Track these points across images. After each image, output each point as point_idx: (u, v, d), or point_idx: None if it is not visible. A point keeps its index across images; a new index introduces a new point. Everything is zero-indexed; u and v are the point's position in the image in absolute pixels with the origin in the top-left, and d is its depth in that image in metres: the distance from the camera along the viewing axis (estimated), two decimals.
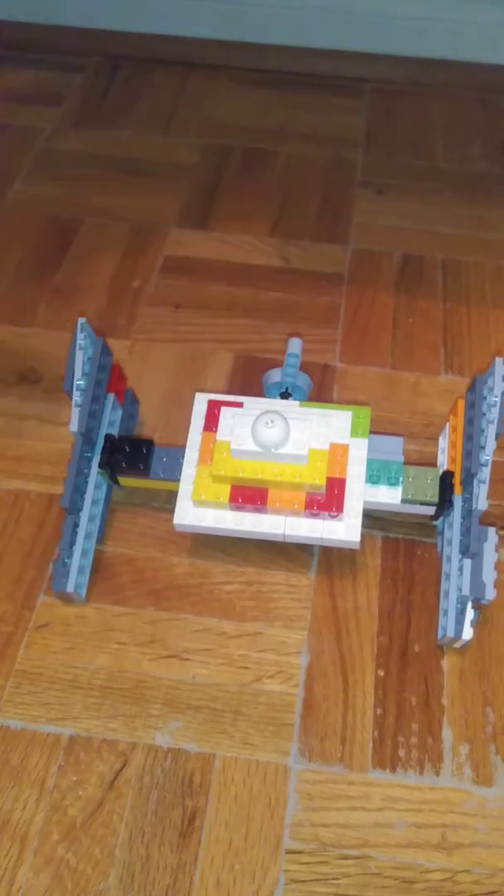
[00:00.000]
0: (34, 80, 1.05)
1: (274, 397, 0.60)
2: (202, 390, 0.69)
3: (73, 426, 0.54)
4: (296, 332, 0.73)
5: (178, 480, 0.56)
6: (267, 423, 0.51)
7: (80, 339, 0.55)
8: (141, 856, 0.46)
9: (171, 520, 0.60)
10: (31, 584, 0.57)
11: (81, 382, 0.55)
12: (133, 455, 0.57)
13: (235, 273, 0.80)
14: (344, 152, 0.94)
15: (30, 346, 0.73)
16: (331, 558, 0.59)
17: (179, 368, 0.71)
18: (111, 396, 0.59)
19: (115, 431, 0.60)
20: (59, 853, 0.46)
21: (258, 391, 0.65)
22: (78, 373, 0.55)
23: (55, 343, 0.73)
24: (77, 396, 0.55)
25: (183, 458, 0.57)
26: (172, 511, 0.60)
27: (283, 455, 0.52)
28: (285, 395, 0.60)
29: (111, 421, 0.59)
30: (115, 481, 0.58)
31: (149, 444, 0.57)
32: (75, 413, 0.54)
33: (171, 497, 0.60)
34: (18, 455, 0.64)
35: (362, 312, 0.76)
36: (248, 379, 0.70)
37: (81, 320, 0.56)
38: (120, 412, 0.60)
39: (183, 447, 0.58)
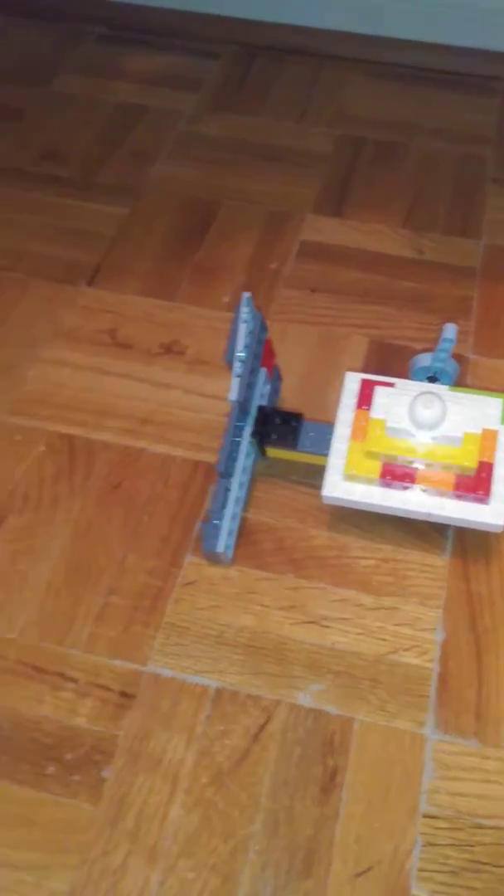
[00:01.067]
0: (172, 64, 1.08)
1: (421, 381, 0.61)
2: (338, 372, 0.71)
3: (233, 395, 0.57)
4: (450, 320, 0.74)
5: (324, 455, 0.58)
6: (426, 404, 0.53)
7: (244, 312, 0.58)
8: (284, 806, 0.48)
9: (310, 493, 0.62)
10: (178, 544, 0.59)
11: (242, 354, 0.57)
12: (283, 427, 0.59)
13: (369, 261, 0.82)
14: (476, 149, 0.95)
15: (174, 320, 0.75)
16: (465, 542, 0.60)
17: (315, 350, 0.73)
18: (263, 370, 0.61)
19: (264, 404, 0.62)
20: (208, 795, 0.48)
21: (393, 376, 0.67)
22: (240, 345, 0.57)
23: (198, 317, 0.75)
24: (238, 367, 0.57)
25: (330, 433, 0.59)
26: (311, 485, 0.63)
27: (438, 436, 0.54)
28: (432, 380, 0.61)
29: (262, 394, 0.61)
30: (263, 452, 0.61)
31: (298, 417, 0.59)
32: (235, 383, 0.57)
33: (310, 471, 0.63)
34: (164, 422, 0.67)
35: (496, 306, 0.77)
36: (383, 364, 0.72)
37: (246, 295, 0.58)
38: (269, 386, 0.62)
39: (326, 423, 0.60)
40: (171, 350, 0.73)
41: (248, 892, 0.45)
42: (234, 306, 0.77)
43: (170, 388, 0.70)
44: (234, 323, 0.58)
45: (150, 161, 0.93)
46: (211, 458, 0.64)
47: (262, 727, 0.51)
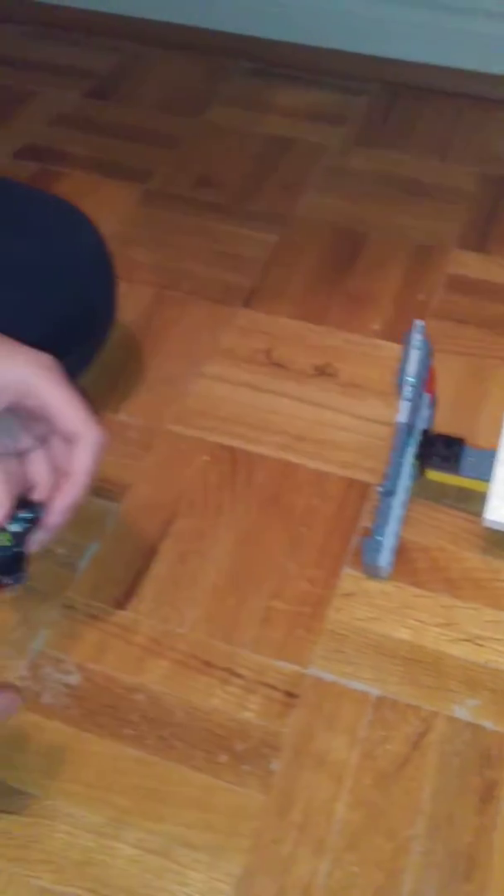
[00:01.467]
0: (319, 99, 1.13)
1: None
2: (486, 402, 0.73)
3: (402, 417, 0.59)
4: None
5: (485, 480, 0.60)
6: None
7: (416, 339, 0.60)
8: (444, 812, 0.50)
9: (462, 517, 0.65)
10: (336, 557, 0.62)
11: (412, 379, 0.60)
12: (447, 451, 0.62)
13: None
14: None
15: (325, 344, 0.79)
16: None
17: (463, 380, 0.76)
18: (427, 395, 0.64)
19: (425, 427, 0.64)
20: (371, 796, 0.51)
21: None
22: (411, 370, 0.60)
23: (349, 343, 0.79)
24: (408, 391, 0.60)
25: (490, 459, 0.61)
26: (463, 509, 0.65)
27: None
28: None
29: (423, 417, 0.64)
30: (422, 473, 0.63)
31: (460, 442, 0.62)
32: (405, 406, 0.60)
33: (462, 495, 0.65)
34: (319, 439, 0.70)
35: None
36: None
37: (419, 323, 0.61)
38: (430, 411, 0.65)
39: (486, 450, 0.62)
40: (324, 372, 0.76)
41: (412, 890, 0.47)
42: (384, 334, 0.80)
43: (324, 408, 0.73)
44: (405, 348, 0.61)
45: (298, 191, 0.97)
46: (365, 477, 0.67)
47: (422, 736, 0.53)
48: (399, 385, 0.60)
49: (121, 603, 0.60)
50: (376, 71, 1.17)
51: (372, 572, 0.60)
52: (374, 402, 0.73)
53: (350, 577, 0.61)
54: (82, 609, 0.59)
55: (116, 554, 0.62)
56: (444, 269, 0.87)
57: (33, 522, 0.50)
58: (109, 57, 1.22)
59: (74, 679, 0.56)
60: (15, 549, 0.49)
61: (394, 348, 0.77)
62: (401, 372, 0.60)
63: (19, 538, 0.50)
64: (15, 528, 0.50)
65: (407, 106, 1.11)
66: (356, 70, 1.17)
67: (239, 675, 0.56)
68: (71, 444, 0.50)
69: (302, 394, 0.74)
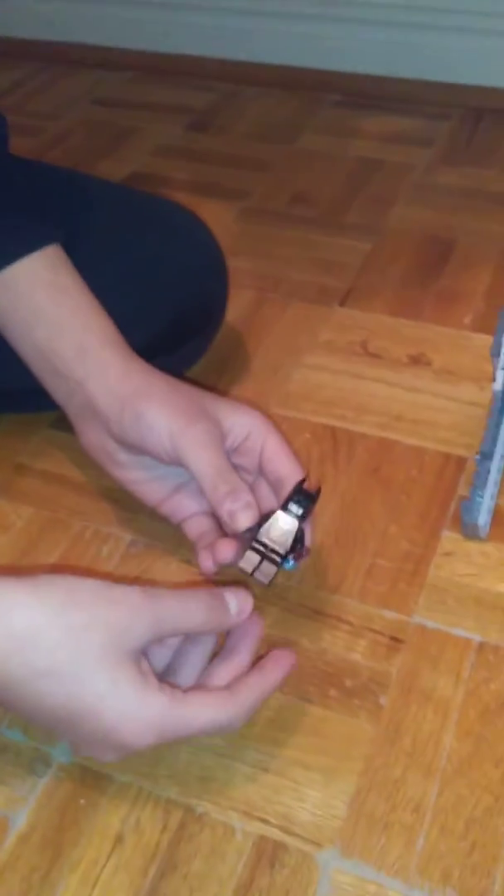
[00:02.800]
0: (405, 125, 1.19)
1: None
2: None
3: (498, 385, 0.63)
4: None
5: None
6: None
7: None
8: None
9: None
10: (435, 520, 0.66)
11: None
12: None
13: None
14: None
15: (419, 336, 0.83)
16: None
17: None
18: None
19: None
20: (477, 728, 0.53)
21: None
22: None
23: (441, 335, 0.83)
24: (502, 360, 0.63)
25: None
26: None
27: None
28: None
29: None
30: None
31: None
32: (500, 374, 0.63)
33: None
34: (416, 419, 0.74)
35: None
36: None
37: None
38: None
39: None
40: (418, 361, 0.80)
41: None
42: (475, 326, 0.84)
43: (419, 392, 0.77)
44: (500, 321, 0.65)
45: (389, 205, 1.03)
46: (461, 452, 0.71)
47: None
48: (493, 356, 0.64)
49: None
50: (459, 97, 1.23)
51: (471, 532, 0.63)
52: (468, 387, 0.77)
53: (449, 539, 0.64)
54: (195, 564, 0.64)
55: None
56: None
57: (308, 508, 0.57)
58: (207, 96, 1.31)
59: None
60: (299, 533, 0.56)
61: (486, 339, 0.81)
62: (495, 344, 0.64)
63: (302, 520, 0.57)
64: (296, 510, 0.56)
65: (490, 128, 1.17)
66: (440, 97, 1.23)
67: (346, 622, 0.59)
68: (276, 486, 0.59)
69: (398, 380, 0.79)
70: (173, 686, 0.48)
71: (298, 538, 0.56)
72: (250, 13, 1.32)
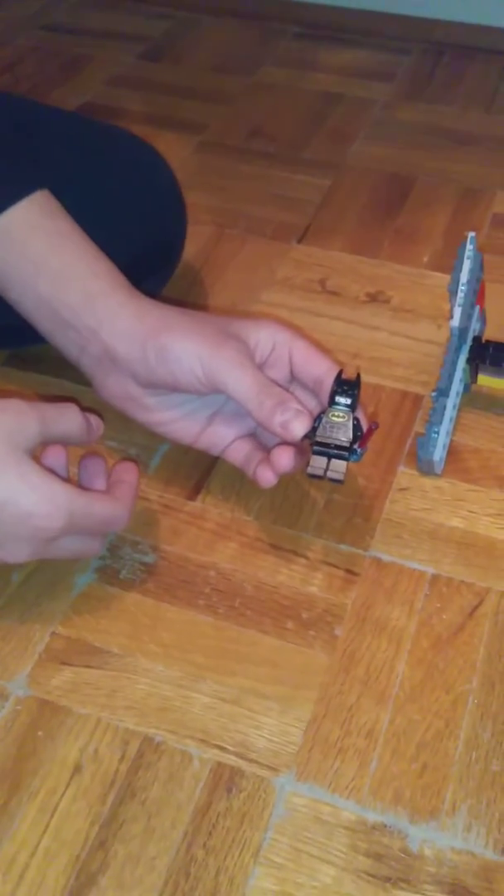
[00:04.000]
0: (365, 58, 1.17)
1: None
2: None
3: (455, 322, 0.63)
4: None
5: None
6: None
7: (469, 250, 0.64)
8: (499, 671, 0.54)
9: None
10: (391, 456, 0.66)
11: (465, 287, 0.64)
12: (497, 356, 0.65)
13: None
14: None
15: (378, 274, 0.83)
16: None
17: None
18: (478, 307, 0.67)
19: None
20: (429, 657, 0.54)
21: None
22: (463, 277, 0.64)
23: (400, 273, 0.83)
24: (460, 297, 0.64)
25: None
26: None
27: None
28: None
29: (474, 329, 0.68)
30: (475, 380, 0.67)
31: None
32: (457, 311, 0.63)
33: None
34: (373, 357, 0.74)
35: None
36: None
37: (471, 234, 0.65)
38: (481, 324, 0.69)
39: None
40: (376, 299, 0.80)
41: (469, 735, 0.51)
42: (433, 265, 0.84)
43: (377, 330, 0.77)
44: (458, 258, 0.65)
45: (348, 141, 1.01)
46: (418, 389, 0.71)
47: (476, 608, 0.57)
48: (451, 293, 0.64)
49: (191, 496, 0.64)
50: (421, 31, 1.20)
51: (426, 468, 0.64)
52: (426, 325, 0.77)
53: (405, 475, 0.65)
54: (156, 500, 0.64)
55: (184, 454, 0.67)
56: (491, 208, 0.90)
57: (355, 395, 0.57)
58: (161, 23, 1.27)
59: (150, 559, 0.60)
60: (355, 422, 0.57)
61: (443, 278, 0.81)
62: (453, 281, 0.64)
63: (352, 409, 0.57)
64: (345, 400, 0.57)
65: (451, 63, 1.15)
66: (401, 31, 1.21)
67: (302, 556, 0.60)
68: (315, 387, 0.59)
69: (356, 318, 0.78)
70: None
71: (355, 426, 0.56)
72: None
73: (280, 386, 0.57)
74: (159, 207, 0.75)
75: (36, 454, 0.52)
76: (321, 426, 0.56)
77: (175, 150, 0.99)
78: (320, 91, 1.10)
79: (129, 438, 0.67)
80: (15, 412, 0.50)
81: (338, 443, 0.56)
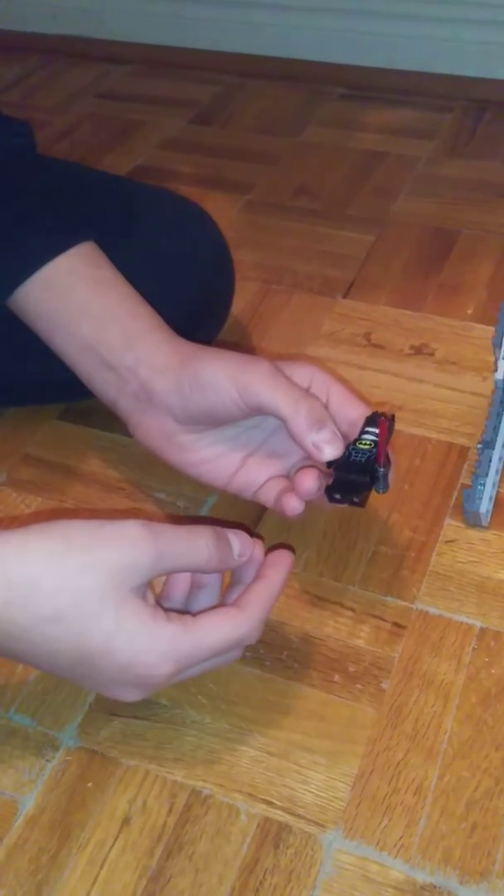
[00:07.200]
0: (410, 118, 1.19)
1: None
2: None
3: (499, 374, 0.64)
4: None
5: None
6: None
7: None
8: None
9: None
10: (437, 508, 0.66)
11: None
12: None
13: None
14: None
15: (422, 327, 0.84)
16: None
17: None
18: None
19: None
20: (478, 712, 0.54)
21: None
22: None
23: (444, 326, 0.83)
24: (502, 351, 0.64)
25: None
26: None
27: None
28: None
29: None
30: None
31: None
32: (501, 364, 0.64)
33: None
34: (418, 409, 0.75)
35: None
36: None
37: None
38: None
39: None
40: (421, 352, 0.81)
41: None
42: (477, 317, 0.84)
43: (422, 383, 0.78)
44: (502, 311, 0.65)
45: (392, 197, 1.03)
46: (464, 441, 0.71)
47: None
48: (495, 345, 0.65)
49: None
50: (463, 89, 1.23)
51: (472, 520, 0.64)
52: (471, 377, 0.77)
53: (452, 527, 0.65)
54: None
55: (231, 505, 0.68)
56: None
57: (388, 427, 0.57)
58: (211, 89, 1.31)
59: None
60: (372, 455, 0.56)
61: (487, 330, 0.82)
62: (497, 333, 0.65)
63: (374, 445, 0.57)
64: (374, 430, 0.57)
65: (493, 120, 1.17)
66: (443, 89, 1.23)
67: (349, 608, 0.60)
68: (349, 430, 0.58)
69: (401, 370, 0.79)
70: (183, 614, 0.48)
71: (373, 448, 0.56)
72: (255, 6, 1.33)
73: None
74: (207, 265, 0.77)
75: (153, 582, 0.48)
76: (349, 453, 0.56)
77: (223, 210, 1.02)
78: (364, 149, 1.13)
79: (177, 490, 0.69)
80: (128, 545, 0.45)
81: (361, 470, 0.55)
